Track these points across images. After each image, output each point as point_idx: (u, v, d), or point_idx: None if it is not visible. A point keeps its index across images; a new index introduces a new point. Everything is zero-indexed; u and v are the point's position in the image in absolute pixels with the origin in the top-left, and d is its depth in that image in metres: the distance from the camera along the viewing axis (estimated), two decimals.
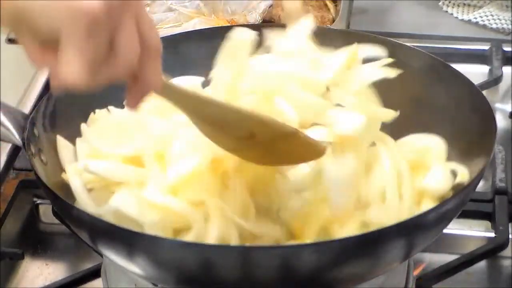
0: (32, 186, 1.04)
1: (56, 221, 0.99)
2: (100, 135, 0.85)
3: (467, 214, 0.99)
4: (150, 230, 0.75)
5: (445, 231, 0.78)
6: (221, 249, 0.72)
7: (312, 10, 1.33)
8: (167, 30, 1.32)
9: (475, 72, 1.22)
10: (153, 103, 0.82)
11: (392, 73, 0.84)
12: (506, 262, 0.98)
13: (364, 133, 0.80)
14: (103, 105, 0.89)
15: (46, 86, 1.20)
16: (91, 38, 0.59)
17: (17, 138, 0.82)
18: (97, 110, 0.89)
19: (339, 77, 0.84)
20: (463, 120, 0.87)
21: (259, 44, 0.86)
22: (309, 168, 0.79)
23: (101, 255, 0.86)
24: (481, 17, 1.37)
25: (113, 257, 0.75)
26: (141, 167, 0.81)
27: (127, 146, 0.82)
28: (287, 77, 0.81)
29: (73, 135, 0.86)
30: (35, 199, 1.05)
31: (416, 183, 0.82)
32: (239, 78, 0.83)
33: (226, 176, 0.79)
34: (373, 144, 0.84)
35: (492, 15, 1.36)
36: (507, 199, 1.00)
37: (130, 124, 0.85)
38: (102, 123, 0.88)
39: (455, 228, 0.98)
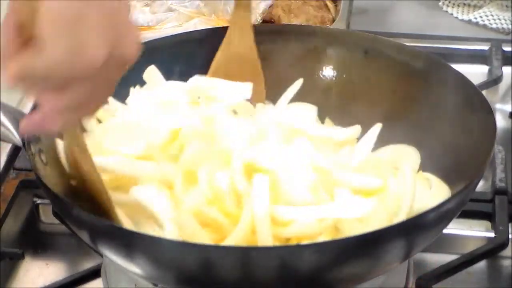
0: (32, 186, 1.04)
1: (56, 221, 0.99)
2: (108, 133, 0.85)
3: (467, 214, 0.99)
4: (170, 227, 0.76)
5: (445, 231, 0.78)
6: (221, 249, 0.72)
7: (312, 10, 1.33)
8: (167, 30, 1.32)
9: (475, 72, 1.22)
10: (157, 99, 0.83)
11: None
12: (506, 262, 0.98)
13: None
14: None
15: None
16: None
17: (17, 138, 0.82)
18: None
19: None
20: (463, 120, 0.87)
21: None
22: None
23: (101, 255, 0.86)
24: (481, 17, 1.37)
25: (113, 257, 0.75)
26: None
27: (136, 144, 0.83)
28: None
29: None
30: (35, 199, 1.05)
31: None
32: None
33: None
34: None
35: (492, 15, 1.36)
36: (507, 199, 1.00)
37: (136, 123, 0.86)
38: (110, 122, 0.88)
39: (455, 228, 0.98)
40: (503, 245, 0.94)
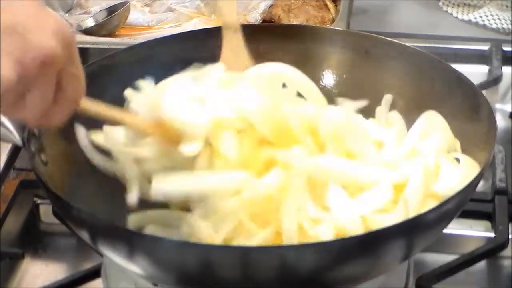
0: (32, 186, 1.04)
1: (56, 221, 0.99)
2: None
3: (467, 214, 0.99)
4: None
5: (445, 231, 0.78)
6: (221, 249, 0.72)
7: (312, 10, 1.33)
8: (167, 30, 1.32)
9: (475, 72, 1.22)
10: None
11: None
12: (506, 262, 0.98)
13: None
14: None
15: None
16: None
17: (17, 138, 0.82)
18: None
19: None
20: (463, 120, 0.87)
21: None
22: None
23: (101, 255, 0.86)
24: (481, 17, 1.37)
25: (113, 256, 0.75)
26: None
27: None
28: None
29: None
30: (35, 199, 1.05)
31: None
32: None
33: None
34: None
35: (492, 15, 1.36)
36: (507, 199, 1.01)
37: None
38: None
39: (455, 228, 0.98)
40: (503, 245, 0.95)
